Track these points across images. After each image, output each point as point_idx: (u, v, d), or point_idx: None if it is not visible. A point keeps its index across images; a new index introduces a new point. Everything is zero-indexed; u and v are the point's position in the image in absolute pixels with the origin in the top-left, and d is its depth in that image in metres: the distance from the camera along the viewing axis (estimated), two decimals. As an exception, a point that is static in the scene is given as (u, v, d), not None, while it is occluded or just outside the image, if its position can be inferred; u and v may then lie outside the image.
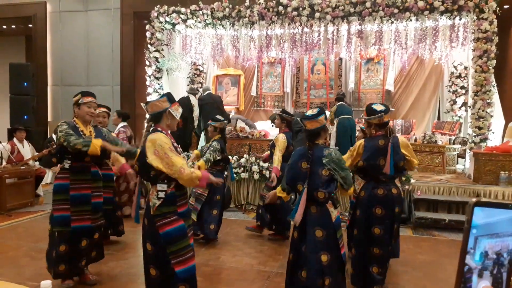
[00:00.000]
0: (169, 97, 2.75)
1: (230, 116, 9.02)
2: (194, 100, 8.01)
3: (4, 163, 6.93)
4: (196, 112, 7.97)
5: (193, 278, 2.68)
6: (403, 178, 6.00)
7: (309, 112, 2.99)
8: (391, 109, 9.06)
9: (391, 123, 4.53)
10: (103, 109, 4.68)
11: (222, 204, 4.99)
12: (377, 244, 3.37)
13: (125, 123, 6.13)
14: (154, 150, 2.52)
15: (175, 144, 2.69)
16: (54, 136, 8.96)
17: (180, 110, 2.81)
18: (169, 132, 2.75)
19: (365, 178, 3.54)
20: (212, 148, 4.71)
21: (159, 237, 2.57)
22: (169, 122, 2.72)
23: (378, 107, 3.44)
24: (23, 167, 6.92)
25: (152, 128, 2.72)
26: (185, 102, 7.96)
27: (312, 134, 2.92)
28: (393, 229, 3.42)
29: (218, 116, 5.01)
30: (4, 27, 11.59)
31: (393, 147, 3.34)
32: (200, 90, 9.94)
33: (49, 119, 10.38)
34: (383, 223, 3.36)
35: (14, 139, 7.31)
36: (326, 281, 2.76)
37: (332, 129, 7.70)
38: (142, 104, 3.51)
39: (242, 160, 6.94)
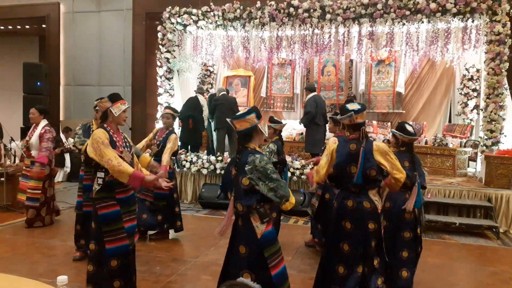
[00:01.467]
0: (110, 97, 3.11)
1: None
2: (202, 100, 8.04)
3: (17, 161, 7.04)
4: (205, 112, 8.00)
5: (123, 255, 3.01)
6: None
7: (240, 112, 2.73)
8: (401, 110, 9.01)
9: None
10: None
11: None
12: (343, 262, 2.96)
13: (46, 121, 5.62)
14: (92, 143, 2.94)
15: (117, 139, 3.05)
16: (62, 136, 9.08)
17: (123, 107, 3.10)
18: (117, 128, 3.14)
19: (337, 187, 3.17)
20: (268, 150, 4.55)
21: (97, 218, 3.00)
22: (112, 119, 3.08)
23: (351, 106, 3.04)
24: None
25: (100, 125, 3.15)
26: (193, 102, 8.01)
27: (241, 136, 2.64)
28: (369, 247, 2.93)
29: (276, 119, 4.89)
30: (18, 27, 11.77)
31: (365, 153, 2.91)
32: (213, 90, 10.00)
33: (61, 118, 10.51)
34: (352, 239, 2.95)
35: (27, 138, 7.40)
36: None
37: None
38: (95, 103, 4.34)
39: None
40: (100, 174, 2.99)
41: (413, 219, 3.52)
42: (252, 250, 2.54)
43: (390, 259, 3.30)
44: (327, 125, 7.25)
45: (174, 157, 5.14)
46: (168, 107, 5.47)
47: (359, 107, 3.01)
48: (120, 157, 2.95)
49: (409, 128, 3.59)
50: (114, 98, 3.10)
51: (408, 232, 3.50)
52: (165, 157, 4.69)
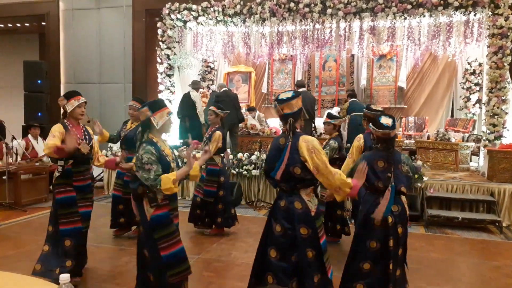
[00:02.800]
0: (65, 95, 3.54)
1: (256, 115, 9.02)
2: (194, 96, 7.97)
3: (19, 159, 7.04)
4: (199, 108, 7.93)
5: (76, 237, 3.45)
6: (416, 176, 5.90)
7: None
8: (403, 105, 8.98)
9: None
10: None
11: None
12: (270, 270, 2.57)
13: None
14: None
15: (75, 132, 3.49)
16: None
17: (75, 103, 3.52)
18: (78, 122, 3.60)
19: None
20: (329, 147, 4.54)
21: (54, 201, 3.48)
22: (69, 116, 3.55)
23: (282, 95, 2.70)
24: (38, 164, 7.03)
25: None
26: (186, 100, 7.97)
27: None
28: (304, 258, 2.51)
29: (335, 114, 4.87)
30: (18, 25, 11.73)
31: (291, 148, 2.55)
32: (214, 87, 9.98)
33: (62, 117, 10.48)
34: (279, 244, 2.57)
35: (29, 136, 7.42)
36: (150, 276, 2.69)
37: (344, 126, 7.68)
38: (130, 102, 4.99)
39: (253, 157, 6.95)
40: (60, 163, 3.48)
41: (383, 228, 2.91)
42: (145, 230, 2.73)
43: (344, 271, 3.06)
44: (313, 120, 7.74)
45: (222, 155, 5.18)
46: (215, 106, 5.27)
47: (288, 96, 2.64)
48: (78, 149, 3.43)
49: (385, 121, 2.98)
50: (68, 95, 3.56)
51: (375, 242, 2.94)
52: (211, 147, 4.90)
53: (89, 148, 3.58)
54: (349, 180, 2.53)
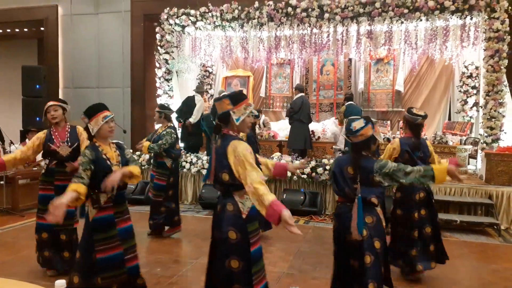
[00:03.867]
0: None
1: (262, 119, 9.03)
2: (198, 100, 7.98)
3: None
4: (196, 107, 7.89)
5: (51, 231, 3.76)
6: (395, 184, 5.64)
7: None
8: (401, 109, 9.00)
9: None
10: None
11: None
12: (208, 279, 2.52)
13: None
14: None
15: (56, 136, 3.79)
16: None
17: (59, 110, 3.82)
18: (66, 126, 3.89)
19: None
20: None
21: (38, 197, 3.85)
22: (45, 119, 3.84)
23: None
24: (35, 168, 7.02)
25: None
26: (189, 101, 7.99)
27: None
28: (226, 265, 2.33)
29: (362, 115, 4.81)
30: (17, 30, 11.75)
31: (217, 152, 2.46)
32: (212, 91, 10.00)
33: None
34: (213, 250, 2.49)
35: (27, 141, 7.41)
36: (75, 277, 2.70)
37: (342, 130, 7.71)
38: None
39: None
40: (45, 162, 3.89)
41: (358, 243, 2.66)
42: (85, 231, 2.78)
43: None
44: (310, 124, 7.93)
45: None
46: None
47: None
48: (57, 151, 3.73)
49: (354, 124, 2.74)
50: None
51: (353, 260, 2.72)
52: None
53: (70, 150, 3.78)
54: (267, 198, 2.16)
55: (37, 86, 9.08)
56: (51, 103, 3.86)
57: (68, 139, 3.83)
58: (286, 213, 2.08)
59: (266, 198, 2.15)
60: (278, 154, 7.55)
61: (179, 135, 8.33)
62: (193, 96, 8.03)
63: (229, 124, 2.45)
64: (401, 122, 8.86)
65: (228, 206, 2.39)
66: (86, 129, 2.88)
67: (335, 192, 2.87)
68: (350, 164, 2.75)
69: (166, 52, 8.64)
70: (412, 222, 3.81)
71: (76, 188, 2.51)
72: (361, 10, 7.34)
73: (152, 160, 5.64)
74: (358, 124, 2.72)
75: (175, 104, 8.65)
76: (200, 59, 9.20)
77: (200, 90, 8.26)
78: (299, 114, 7.64)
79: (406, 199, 3.86)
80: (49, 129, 3.89)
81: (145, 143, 5.05)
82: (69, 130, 3.89)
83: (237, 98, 2.45)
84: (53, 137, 3.81)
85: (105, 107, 2.92)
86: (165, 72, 8.69)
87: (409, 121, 3.86)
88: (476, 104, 8.14)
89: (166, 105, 5.63)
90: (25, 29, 11.66)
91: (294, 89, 8.22)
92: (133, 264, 2.86)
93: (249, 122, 2.53)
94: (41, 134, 3.83)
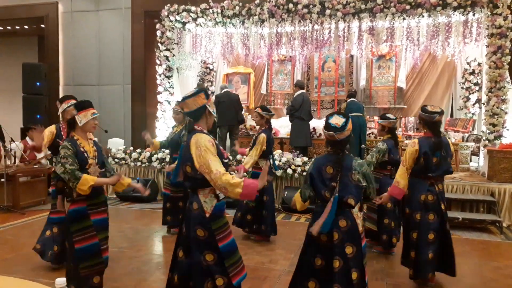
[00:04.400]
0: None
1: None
2: None
3: (17, 161, 7.03)
4: None
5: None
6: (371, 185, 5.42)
7: None
8: (403, 105, 8.96)
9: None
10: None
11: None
12: (177, 269, 2.53)
13: None
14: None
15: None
16: None
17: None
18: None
19: None
20: (376, 149, 4.39)
21: None
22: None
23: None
24: (36, 166, 7.02)
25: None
26: None
27: None
28: (200, 260, 2.38)
29: (388, 115, 4.61)
30: (17, 27, 11.73)
31: (183, 146, 2.52)
32: (213, 88, 9.97)
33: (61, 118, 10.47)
34: (185, 246, 2.49)
35: (27, 138, 7.41)
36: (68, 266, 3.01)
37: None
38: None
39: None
40: (47, 158, 4.07)
41: (328, 245, 2.62)
42: (65, 223, 2.98)
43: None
44: (310, 121, 7.90)
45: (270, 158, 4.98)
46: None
47: (191, 93, 2.51)
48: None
49: (334, 120, 2.66)
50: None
51: (319, 259, 2.68)
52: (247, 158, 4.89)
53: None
54: (236, 180, 2.27)
55: (38, 84, 9.07)
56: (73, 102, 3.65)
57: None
58: (260, 183, 2.35)
59: (236, 181, 2.27)
60: (280, 151, 7.53)
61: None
62: None
63: (200, 119, 2.50)
64: (403, 119, 8.85)
65: (193, 205, 2.45)
66: (69, 121, 3.04)
67: (309, 197, 2.74)
68: (329, 164, 2.65)
69: (167, 49, 8.61)
70: (413, 223, 3.61)
71: (87, 178, 2.84)
72: (363, 6, 7.30)
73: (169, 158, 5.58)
74: (338, 120, 2.65)
75: (175, 101, 8.61)
76: (200, 56, 9.17)
77: (201, 87, 8.24)
78: (300, 111, 7.61)
79: (411, 198, 3.64)
80: (58, 125, 4.00)
81: (155, 141, 5.13)
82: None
83: (206, 93, 2.52)
84: (62, 133, 3.86)
85: (92, 105, 3.10)
86: (166, 69, 8.66)
87: (425, 120, 3.56)
88: (478, 100, 8.11)
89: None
90: (26, 26, 11.64)
91: (294, 86, 8.19)
92: (107, 255, 3.10)
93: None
94: (53, 129, 3.92)
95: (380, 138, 4.90)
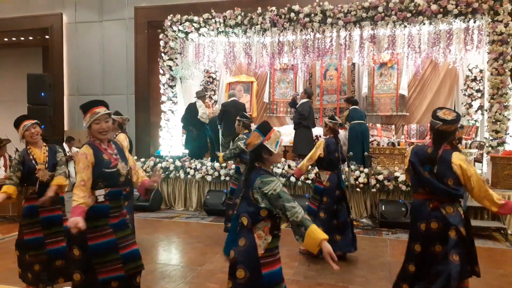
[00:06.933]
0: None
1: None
2: (200, 106, 8.00)
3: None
4: (199, 114, 7.90)
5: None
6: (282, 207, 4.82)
7: None
8: (405, 113, 8.97)
9: None
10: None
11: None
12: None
13: None
14: None
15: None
16: (65, 145, 9.10)
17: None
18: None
19: None
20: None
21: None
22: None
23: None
24: (41, 176, 7.04)
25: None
26: (192, 109, 8.02)
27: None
28: (71, 253, 2.74)
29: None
30: (22, 38, 11.88)
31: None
32: (216, 97, 10.02)
33: (66, 128, 10.56)
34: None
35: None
36: None
37: (345, 135, 7.68)
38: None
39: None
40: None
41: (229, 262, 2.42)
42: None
43: None
44: (313, 129, 7.92)
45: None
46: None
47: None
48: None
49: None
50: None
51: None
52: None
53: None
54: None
55: (42, 94, 9.15)
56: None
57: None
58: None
59: (75, 199, 2.50)
60: (283, 159, 7.54)
61: (184, 143, 8.39)
62: (195, 103, 8.06)
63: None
64: (405, 126, 8.86)
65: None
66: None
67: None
68: (243, 177, 2.48)
69: (170, 59, 8.68)
70: (410, 254, 3.00)
71: (6, 190, 3.37)
72: (364, 15, 7.35)
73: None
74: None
75: (179, 110, 8.68)
76: (203, 65, 9.23)
77: (200, 95, 8.25)
78: (307, 120, 7.64)
79: (411, 226, 3.05)
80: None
81: (219, 154, 5.32)
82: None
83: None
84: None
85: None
86: (169, 79, 8.73)
87: (430, 126, 3.08)
88: (481, 107, 8.10)
89: (245, 114, 5.58)
90: (30, 37, 11.79)
91: (303, 93, 8.11)
92: (55, 247, 3.52)
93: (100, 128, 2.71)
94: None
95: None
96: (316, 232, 2.11)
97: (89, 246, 2.56)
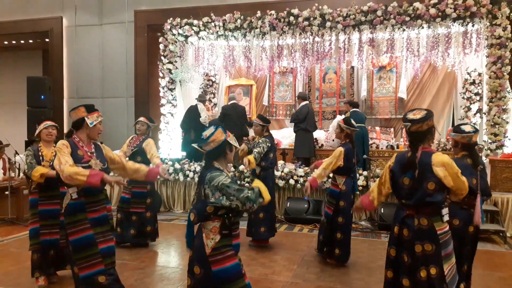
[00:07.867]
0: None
1: None
2: (201, 108, 8.04)
3: (21, 174, 7.07)
4: (202, 118, 7.95)
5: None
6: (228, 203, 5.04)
7: None
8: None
9: None
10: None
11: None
12: None
13: None
14: None
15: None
16: None
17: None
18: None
19: None
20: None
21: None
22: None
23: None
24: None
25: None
26: (193, 111, 8.05)
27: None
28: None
29: (462, 127, 3.74)
30: (22, 42, 11.89)
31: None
32: (216, 100, 10.04)
33: (65, 131, 10.55)
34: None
35: (32, 151, 7.45)
36: None
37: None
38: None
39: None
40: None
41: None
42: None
43: None
44: (314, 132, 7.94)
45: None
46: None
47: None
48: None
49: (206, 132, 2.54)
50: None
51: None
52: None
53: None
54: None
55: (42, 97, 9.16)
56: (142, 119, 5.45)
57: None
58: (106, 176, 2.81)
59: (82, 171, 2.76)
60: (282, 162, 7.56)
61: (181, 145, 8.39)
62: (196, 106, 8.08)
63: (80, 129, 3.11)
64: (404, 129, 8.87)
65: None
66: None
67: None
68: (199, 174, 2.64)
69: (170, 62, 8.70)
70: (387, 259, 2.88)
71: (41, 171, 3.73)
72: (363, 18, 7.38)
73: None
74: (208, 131, 2.50)
75: (178, 113, 8.69)
76: (203, 68, 9.25)
77: (202, 98, 8.32)
78: (305, 123, 7.69)
79: (391, 228, 2.92)
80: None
81: (250, 157, 4.85)
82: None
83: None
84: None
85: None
86: (169, 82, 8.74)
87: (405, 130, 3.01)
88: (479, 110, 8.12)
89: (266, 118, 5.46)
90: (30, 41, 11.81)
91: (297, 98, 8.22)
92: (49, 238, 3.86)
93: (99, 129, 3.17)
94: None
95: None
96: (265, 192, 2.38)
97: (70, 241, 2.80)
